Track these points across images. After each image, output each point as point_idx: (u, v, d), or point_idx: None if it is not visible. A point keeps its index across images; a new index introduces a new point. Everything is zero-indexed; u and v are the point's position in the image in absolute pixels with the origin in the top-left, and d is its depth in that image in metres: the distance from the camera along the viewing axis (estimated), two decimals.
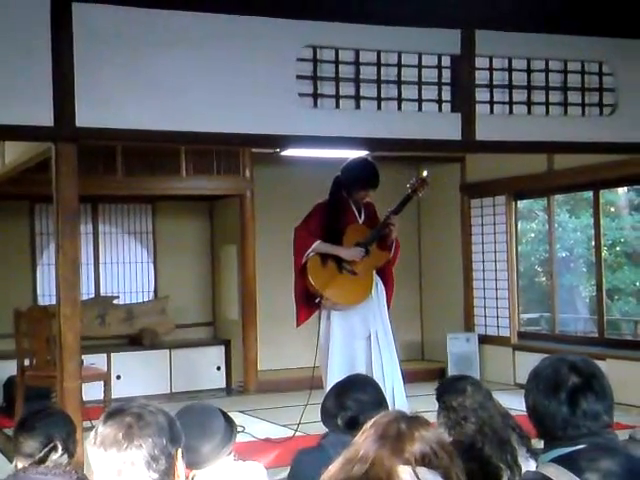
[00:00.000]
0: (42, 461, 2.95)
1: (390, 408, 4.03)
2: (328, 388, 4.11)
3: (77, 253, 5.00)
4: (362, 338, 6.04)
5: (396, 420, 1.95)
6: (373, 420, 1.98)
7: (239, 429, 3.30)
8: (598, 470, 2.44)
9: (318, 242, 5.98)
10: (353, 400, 3.26)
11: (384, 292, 6.21)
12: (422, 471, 1.87)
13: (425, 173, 6.38)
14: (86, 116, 4.81)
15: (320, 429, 3.52)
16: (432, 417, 3.37)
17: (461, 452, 3.04)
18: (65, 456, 3.00)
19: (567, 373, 2.51)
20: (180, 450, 2.00)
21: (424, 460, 1.89)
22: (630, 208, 14.46)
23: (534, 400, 2.54)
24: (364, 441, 1.93)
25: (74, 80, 4.79)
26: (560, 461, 2.51)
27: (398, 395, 6.00)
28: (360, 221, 6.19)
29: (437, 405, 3.35)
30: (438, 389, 3.41)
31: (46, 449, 2.97)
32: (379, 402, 3.28)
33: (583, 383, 2.51)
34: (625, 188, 13.09)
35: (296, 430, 6.20)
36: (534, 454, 3.14)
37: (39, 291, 8.94)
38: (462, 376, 3.51)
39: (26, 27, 4.75)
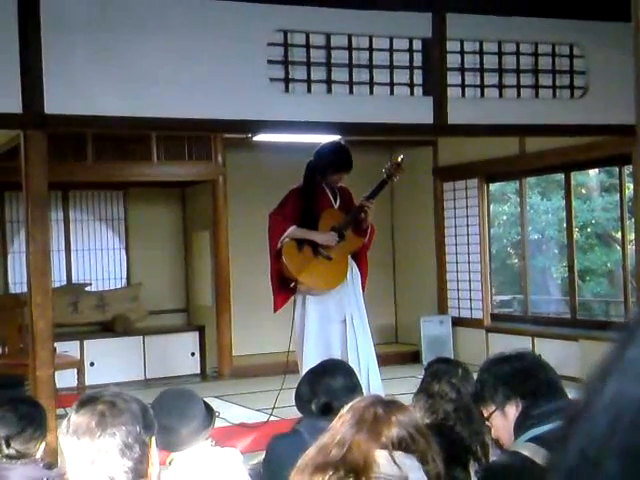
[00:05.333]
0: None
1: (365, 391, 4.04)
2: (304, 373, 4.11)
3: (47, 240, 4.96)
4: (337, 322, 6.04)
5: (373, 404, 1.96)
6: (350, 405, 1.98)
7: (215, 413, 3.31)
8: None
9: (293, 227, 5.97)
10: (326, 386, 3.26)
11: (359, 276, 6.21)
12: (399, 455, 1.88)
13: (400, 158, 6.36)
14: (55, 103, 4.76)
15: (295, 414, 3.53)
16: (406, 400, 3.39)
17: (432, 427, 3.08)
18: (12, 451, 3.09)
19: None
20: (154, 438, 1.99)
21: (401, 444, 1.90)
22: (601, 190, 14.57)
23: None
24: (341, 426, 1.93)
25: (42, 66, 4.73)
26: (536, 441, 2.53)
27: (373, 378, 6.02)
28: (335, 206, 6.18)
29: (420, 382, 3.35)
30: (428, 370, 3.40)
31: None
32: (352, 388, 3.27)
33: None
34: (596, 170, 13.19)
35: (270, 415, 6.21)
36: None
37: (10, 279, 8.86)
38: (455, 362, 3.50)
39: None
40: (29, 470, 3.06)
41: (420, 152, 9.47)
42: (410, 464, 1.90)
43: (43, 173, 4.81)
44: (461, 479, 2.94)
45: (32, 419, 3.25)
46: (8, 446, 3.12)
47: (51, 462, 2.88)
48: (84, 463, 1.91)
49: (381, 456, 1.88)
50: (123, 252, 9.46)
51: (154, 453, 1.98)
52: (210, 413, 3.24)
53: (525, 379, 2.63)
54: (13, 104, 4.68)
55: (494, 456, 3.12)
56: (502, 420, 2.65)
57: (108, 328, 8.98)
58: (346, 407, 1.99)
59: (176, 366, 8.86)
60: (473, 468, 3.01)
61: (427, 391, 3.26)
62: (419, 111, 5.71)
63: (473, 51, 5.88)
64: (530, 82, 6.07)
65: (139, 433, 1.92)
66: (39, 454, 3.22)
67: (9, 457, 3.11)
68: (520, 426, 2.59)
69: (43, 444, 3.27)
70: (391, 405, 1.98)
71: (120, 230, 9.44)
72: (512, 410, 2.63)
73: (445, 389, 3.22)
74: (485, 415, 2.70)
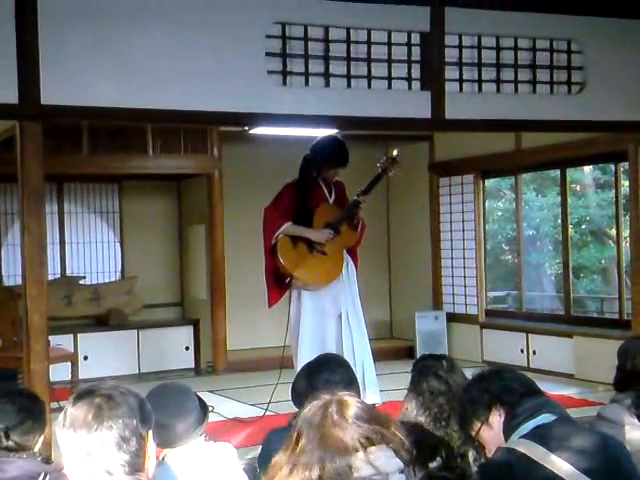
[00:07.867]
0: None
1: (360, 387, 4.04)
2: (299, 368, 4.10)
3: (43, 233, 4.93)
4: (333, 317, 6.04)
5: (325, 410, 1.95)
6: (306, 420, 1.96)
7: (209, 408, 3.30)
8: (569, 448, 2.47)
9: (288, 224, 5.95)
10: (323, 381, 3.25)
11: (354, 271, 6.21)
12: (372, 451, 1.89)
13: (395, 152, 6.36)
14: (51, 93, 4.73)
15: (290, 408, 3.52)
16: (401, 395, 3.39)
17: (428, 422, 3.09)
18: (11, 443, 3.07)
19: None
20: (151, 431, 1.98)
21: (369, 440, 1.91)
22: (596, 186, 14.59)
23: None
24: (309, 452, 1.91)
25: (39, 57, 4.70)
26: (527, 436, 2.54)
27: (368, 373, 6.01)
28: (330, 200, 6.17)
29: (409, 383, 3.35)
30: (414, 369, 3.41)
31: None
32: (349, 382, 3.27)
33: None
34: (591, 166, 13.20)
35: (266, 409, 6.19)
36: None
37: (4, 272, 8.82)
38: (439, 356, 3.51)
39: None
40: (27, 464, 3.03)
41: (416, 147, 9.46)
42: (384, 456, 1.91)
43: (39, 164, 4.78)
44: (461, 469, 2.95)
45: (31, 411, 3.23)
46: (7, 438, 3.10)
47: (49, 456, 2.86)
48: (80, 456, 1.89)
49: (357, 460, 1.89)
50: (118, 245, 9.43)
51: (151, 447, 1.97)
52: (204, 409, 3.23)
53: (500, 387, 2.68)
54: (9, 95, 4.65)
55: None
56: (489, 432, 2.68)
57: (102, 321, 8.95)
58: (299, 423, 1.96)
59: (170, 360, 8.83)
60: (472, 457, 3.02)
61: (416, 391, 3.27)
62: (417, 105, 5.69)
63: (471, 45, 5.86)
64: (528, 77, 6.05)
65: (136, 426, 1.91)
66: (37, 447, 3.20)
67: (8, 449, 3.10)
68: (509, 427, 2.61)
69: (42, 437, 3.25)
70: (342, 407, 1.96)
71: (115, 223, 9.41)
72: (496, 419, 2.66)
73: (434, 384, 3.24)
74: (473, 435, 2.73)
